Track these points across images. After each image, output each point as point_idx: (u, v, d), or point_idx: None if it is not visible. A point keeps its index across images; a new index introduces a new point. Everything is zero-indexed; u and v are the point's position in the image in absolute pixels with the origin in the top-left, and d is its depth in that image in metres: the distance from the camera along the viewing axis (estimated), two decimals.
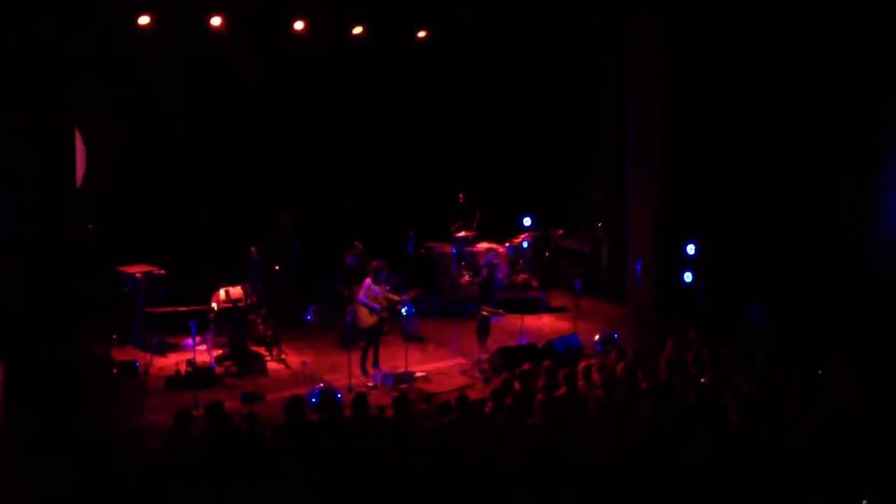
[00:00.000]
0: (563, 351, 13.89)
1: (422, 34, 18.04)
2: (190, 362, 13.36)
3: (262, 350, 14.47)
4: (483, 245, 18.12)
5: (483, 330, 14.82)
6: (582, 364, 11.78)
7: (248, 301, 14.46)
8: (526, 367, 11.35)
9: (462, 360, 14.67)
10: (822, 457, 8.94)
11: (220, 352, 14.06)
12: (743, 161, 16.20)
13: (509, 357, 13.54)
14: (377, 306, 13.85)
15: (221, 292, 14.33)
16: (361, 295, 13.90)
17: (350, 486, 8.43)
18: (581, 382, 11.05)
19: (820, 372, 11.17)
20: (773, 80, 15.84)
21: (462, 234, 17.97)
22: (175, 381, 13.15)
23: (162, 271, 14.88)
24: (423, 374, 13.96)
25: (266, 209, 16.54)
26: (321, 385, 12.71)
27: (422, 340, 15.47)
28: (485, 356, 14.36)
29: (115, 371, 13.22)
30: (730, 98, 16.14)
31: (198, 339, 13.69)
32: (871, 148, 15.39)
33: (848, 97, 15.23)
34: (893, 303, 14.60)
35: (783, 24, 15.50)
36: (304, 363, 14.20)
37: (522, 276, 18.17)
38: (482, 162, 18.94)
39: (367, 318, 13.87)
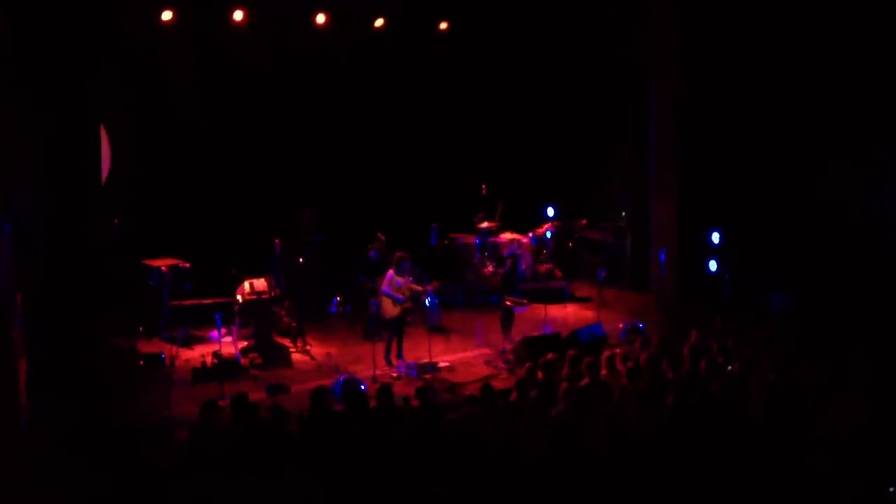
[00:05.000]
0: (588, 340, 13.87)
1: (443, 26, 18.08)
2: (215, 354, 13.44)
3: (286, 342, 14.54)
4: (506, 236, 18.12)
5: (507, 320, 14.83)
6: (606, 353, 11.77)
7: (273, 293, 14.54)
8: (550, 356, 11.35)
9: (486, 351, 14.69)
10: (849, 445, 8.90)
11: (246, 344, 14.15)
12: (766, 149, 16.12)
13: (533, 347, 13.53)
14: (400, 297, 13.87)
15: (246, 284, 14.43)
16: (385, 286, 13.93)
17: (375, 477, 8.47)
18: (605, 372, 11.05)
19: None
20: (796, 66, 15.74)
21: (485, 224, 17.98)
22: (201, 373, 13.23)
23: (187, 264, 14.97)
24: (447, 364, 13.99)
25: (289, 202, 16.58)
26: (345, 376, 12.78)
27: (445, 331, 15.50)
28: (509, 346, 14.37)
29: (141, 363, 13.32)
30: (752, 86, 16.06)
31: (223, 331, 13.74)
32: None
33: (871, 84, 15.10)
34: None
35: (806, 9, 15.39)
36: (328, 354, 14.27)
37: (546, 267, 18.14)
38: (504, 153, 18.91)
39: (390, 310, 13.90)
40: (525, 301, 15.61)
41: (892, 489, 8.10)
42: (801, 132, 15.82)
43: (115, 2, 13.37)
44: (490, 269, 17.79)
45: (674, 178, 17.04)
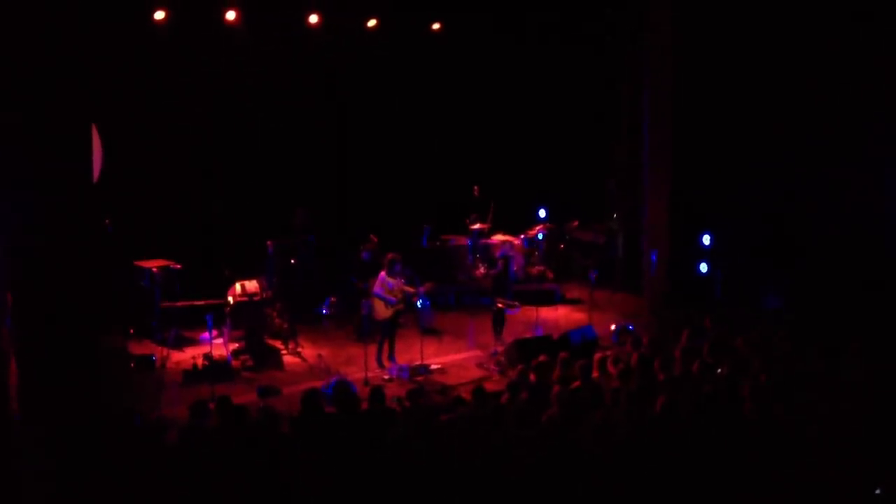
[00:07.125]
0: (579, 342, 13.86)
1: (436, 26, 18.07)
2: (206, 356, 13.41)
3: (278, 343, 14.52)
4: (498, 237, 18.13)
5: (498, 322, 14.82)
6: (598, 355, 11.76)
7: (264, 295, 14.53)
8: (542, 358, 11.33)
9: (478, 353, 14.69)
10: (838, 446, 8.91)
11: (237, 345, 14.12)
12: (758, 151, 16.14)
13: (525, 349, 13.51)
14: (392, 299, 13.86)
15: (237, 286, 14.41)
16: (377, 287, 13.92)
17: (366, 479, 8.45)
18: (597, 374, 11.04)
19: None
20: (790, 68, 15.75)
21: (477, 226, 17.98)
22: (192, 375, 13.22)
23: (178, 266, 14.93)
24: (439, 366, 13.99)
25: (281, 203, 16.57)
26: (336, 378, 12.76)
27: (437, 333, 15.49)
28: (500, 348, 14.37)
29: (132, 365, 13.29)
30: (745, 87, 16.08)
31: (214, 332, 13.73)
32: (891, 130, 15.28)
33: (863, 84, 15.13)
34: None
35: (798, 10, 15.42)
36: (319, 356, 14.25)
37: (538, 268, 18.16)
38: (497, 154, 18.91)
39: (382, 311, 13.88)
40: (516, 303, 15.60)
41: (878, 491, 8.10)
42: (794, 134, 15.84)
43: (109, 1, 13.34)
44: (482, 270, 17.80)
45: (666, 180, 17.06)
